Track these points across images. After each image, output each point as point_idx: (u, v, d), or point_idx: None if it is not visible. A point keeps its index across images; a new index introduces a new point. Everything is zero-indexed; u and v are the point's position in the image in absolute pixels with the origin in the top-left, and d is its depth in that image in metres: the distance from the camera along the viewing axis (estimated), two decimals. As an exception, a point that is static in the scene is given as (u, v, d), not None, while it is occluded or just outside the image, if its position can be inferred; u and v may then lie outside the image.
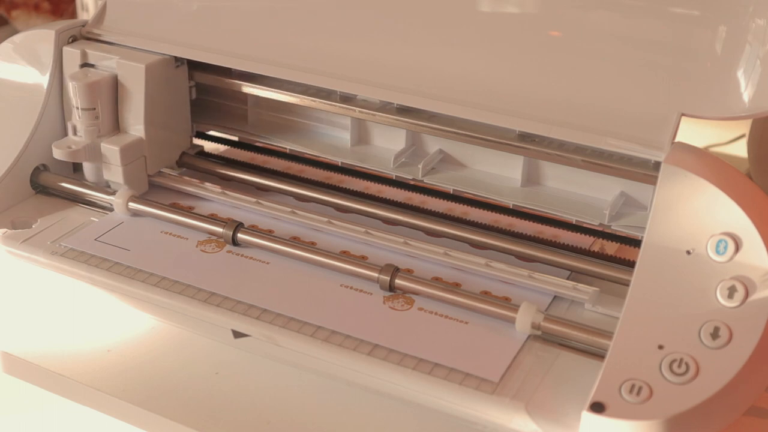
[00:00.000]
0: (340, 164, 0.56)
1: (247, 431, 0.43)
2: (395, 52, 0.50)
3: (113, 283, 0.48)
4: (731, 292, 0.39)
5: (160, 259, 0.50)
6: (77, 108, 0.53)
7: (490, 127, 0.48)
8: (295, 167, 0.59)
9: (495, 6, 0.49)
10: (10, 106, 0.55)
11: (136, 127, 0.54)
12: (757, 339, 0.38)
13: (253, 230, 0.51)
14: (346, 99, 0.53)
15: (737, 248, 0.40)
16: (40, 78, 0.55)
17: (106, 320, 0.50)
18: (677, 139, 0.44)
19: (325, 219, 0.53)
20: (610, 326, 0.41)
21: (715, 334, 0.38)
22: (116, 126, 0.54)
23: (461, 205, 0.54)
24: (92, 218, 0.54)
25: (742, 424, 0.41)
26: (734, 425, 0.39)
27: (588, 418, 0.37)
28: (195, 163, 0.58)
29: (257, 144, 0.59)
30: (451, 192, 0.53)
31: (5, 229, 0.52)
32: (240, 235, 0.51)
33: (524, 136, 0.49)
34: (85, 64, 0.54)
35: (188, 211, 0.53)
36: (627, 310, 0.40)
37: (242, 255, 0.50)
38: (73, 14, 1.05)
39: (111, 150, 0.53)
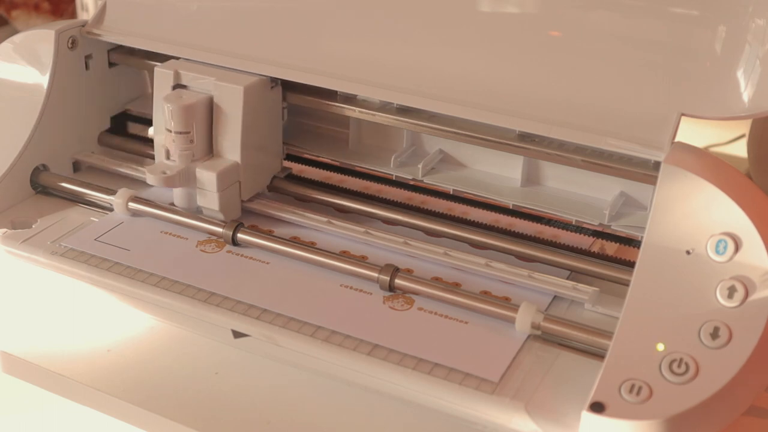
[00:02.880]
0: (339, 164, 0.56)
1: (247, 431, 0.43)
2: (395, 52, 0.50)
3: (113, 283, 0.48)
4: (731, 292, 0.39)
5: (160, 259, 0.50)
6: (171, 131, 0.50)
7: (490, 127, 0.48)
8: (295, 167, 0.59)
9: (495, 6, 0.49)
10: (10, 106, 0.55)
11: (231, 150, 0.51)
12: (757, 339, 0.38)
13: (253, 230, 0.51)
14: (347, 99, 0.53)
15: (737, 248, 0.40)
16: (40, 78, 0.55)
17: (106, 320, 0.50)
18: (677, 139, 0.44)
19: (325, 219, 0.53)
20: (610, 326, 0.41)
21: (714, 334, 0.38)
22: (210, 149, 0.52)
23: (461, 205, 0.54)
24: (92, 218, 0.54)
25: (742, 424, 0.41)
26: (734, 425, 0.39)
27: (588, 418, 0.37)
28: (287, 187, 0.56)
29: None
30: (451, 192, 0.53)
31: (5, 229, 0.52)
32: (240, 235, 0.51)
33: (524, 136, 0.49)
34: (177, 85, 0.52)
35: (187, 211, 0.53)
36: (627, 310, 0.40)
37: (242, 255, 0.50)
38: (73, 14, 1.05)
39: (207, 176, 0.51)
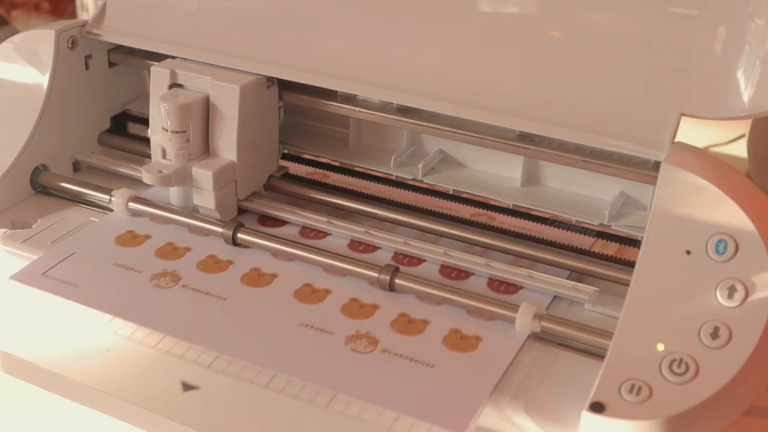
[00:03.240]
0: (339, 164, 0.56)
1: (246, 431, 0.43)
2: (395, 52, 0.50)
3: (63, 323, 0.47)
4: (731, 292, 0.39)
5: (110, 296, 0.47)
6: (167, 130, 0.50)
7: (490, 127, 0.48)
8: (294, 167, 0.59)
9: (495, 6, 0.49)
10: (10, 106, 0.55)
11: (228, 149, 0.51)
12: (757, 339, 0.38)
13: (253, 230, 0.51)
14: (346, 99, 0.53)
15: (737, 248, 0.40)
16: (40, 78, 0.55)
17: (106, 320, 0.50)
18: (677, 139, 0.44)
19: (325, 219, 0.53)
20: (610, 326, 0.41)
21: (714, 334, 0.38)
22: (206, 149, 0.52)
23: (461, 205, 0.54)
24: (92, 218, 0.54)
25: (742, 424, 0.41)
26: (734, 425, 0.39)
27: (588, 418, 0.37)
28: (283, 186, 0.56)
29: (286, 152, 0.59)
30: (451, 192, 0.53)
31: (5, 229, 0.52)
32: (240, 235, 0.51)
33: (524, 136, 0.49)
34: (173, 85, 0.52)
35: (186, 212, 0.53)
36: (627, 310, 0.40)
37: (198, 290, 0.48)
38: (73, 14, 1.05)
39: (203, 175, 0.51)
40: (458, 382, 0.41)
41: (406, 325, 0.45)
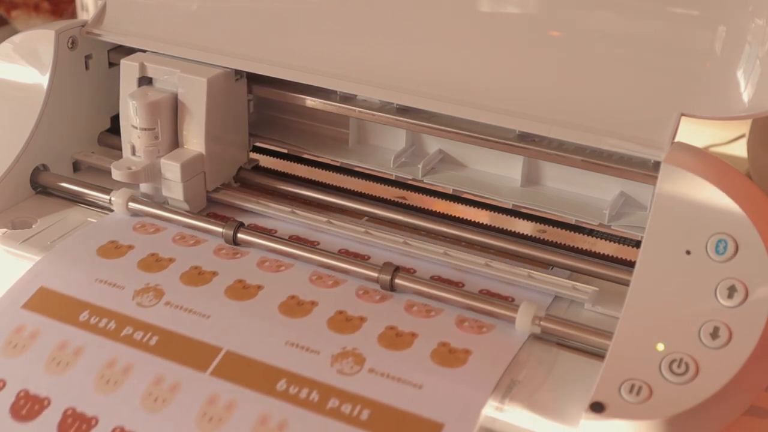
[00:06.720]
0: (339, 164, 0.56)
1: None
2: (395, 52, 0.50)
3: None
4: (731, 292, 0.39)
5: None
6: (136, 128, 0.51)
7: (490, 127, 0.48)
8: (295, 167, 0.59)
9: (495, 6, 0.49)
10: (10, 106, 0.55)
11: (196, 142, 0.52)
12: (757, 339, 0.38)
13: (253, 230, 0.51)
14: (346, 99, 0.53)
15: (737, 248, 0.40)
16: (40, 78, 0.55)
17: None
18: (677, 139, 0.44)
19: (325, 219, 0.53)
20: (610, 326, 0.41)
21: (714, 334, 0.39)
22: (175, 145, 0.53)
23: (461, 205, 0.54)
24: (91, 219, 0.54)
25: (742, 424, 0.41)
26: (734, 425, 0.39)
27: (588, 418, 0.37)
28: (253, 179, 0.56)
29: (257, 144, 0.59)
30: (451, 192, 0.53)
31: (5, 229, 0.52)
32: (240, 235, 0.51)
33: (524, 136, 0.49)
34: (143, 78, 0.53)
35: (187, 211, 0.53)
36: (627, 310, 0.40)
37: (181, 307, 0.45)
38: (73, 14, 1.05)
39: (171, 166, 0.51)
40: (446, 402, 0.40)
41: (394, 339, 0.43)
